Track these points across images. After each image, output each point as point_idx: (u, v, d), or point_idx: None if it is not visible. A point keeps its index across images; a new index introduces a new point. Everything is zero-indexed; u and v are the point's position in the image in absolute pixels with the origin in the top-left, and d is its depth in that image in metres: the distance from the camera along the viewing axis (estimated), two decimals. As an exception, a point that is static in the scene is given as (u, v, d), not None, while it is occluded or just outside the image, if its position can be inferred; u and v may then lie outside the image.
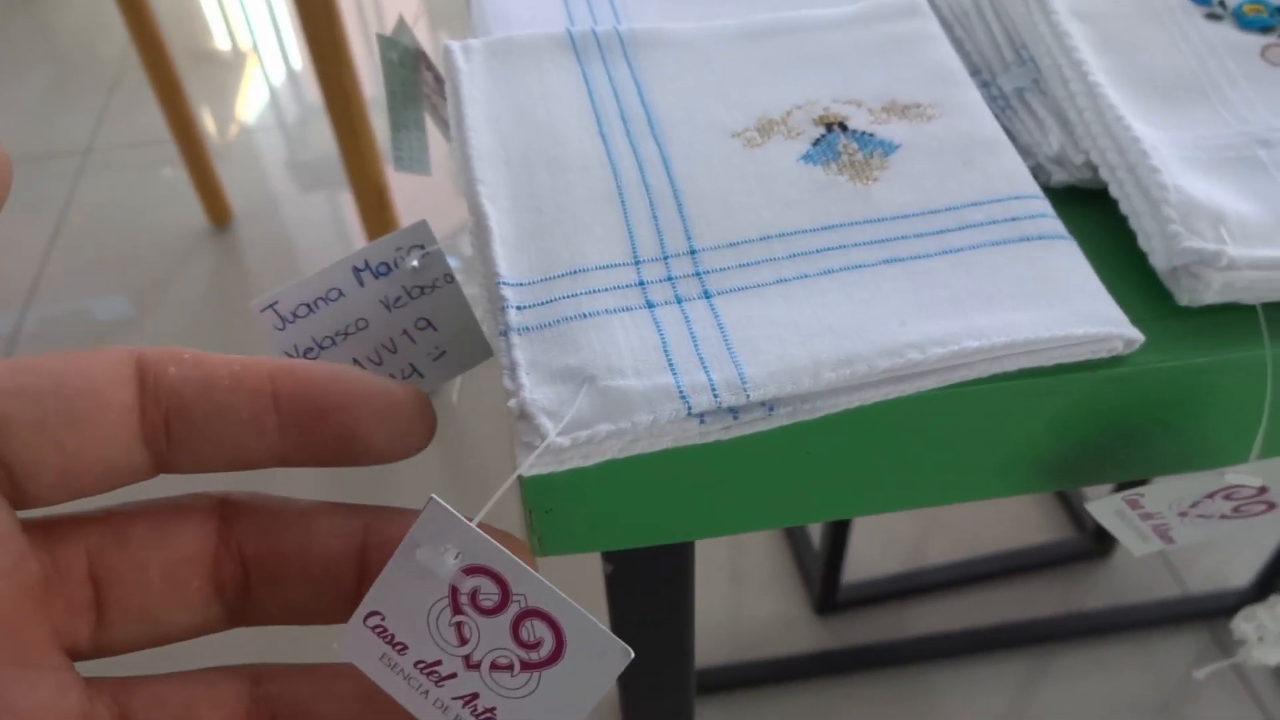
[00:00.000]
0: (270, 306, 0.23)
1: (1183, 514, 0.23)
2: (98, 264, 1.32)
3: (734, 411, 0.19)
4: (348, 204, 1.37)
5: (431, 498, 0.16)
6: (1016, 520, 1.11)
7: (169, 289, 1.29)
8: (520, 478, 0.21)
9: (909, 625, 1.03)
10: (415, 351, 0.24)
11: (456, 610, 0.16)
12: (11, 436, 0.16)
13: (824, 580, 1.01)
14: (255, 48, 1.75)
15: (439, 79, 0.38)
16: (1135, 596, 1.04)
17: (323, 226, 1.39)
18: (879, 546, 1.08)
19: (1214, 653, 1.02)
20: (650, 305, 0.21)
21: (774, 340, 0.20)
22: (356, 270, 0.23)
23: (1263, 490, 0.22)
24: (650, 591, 0.27)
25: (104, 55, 1.71)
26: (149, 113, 1.34)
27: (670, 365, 0.19)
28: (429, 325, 0.24)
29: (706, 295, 0.21)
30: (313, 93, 1.65)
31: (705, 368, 0.19)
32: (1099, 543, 1.07)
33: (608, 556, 0.26)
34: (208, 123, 1.55)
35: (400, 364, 0.24)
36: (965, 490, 0.23)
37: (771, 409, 0.20)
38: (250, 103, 1.61)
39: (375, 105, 1.23)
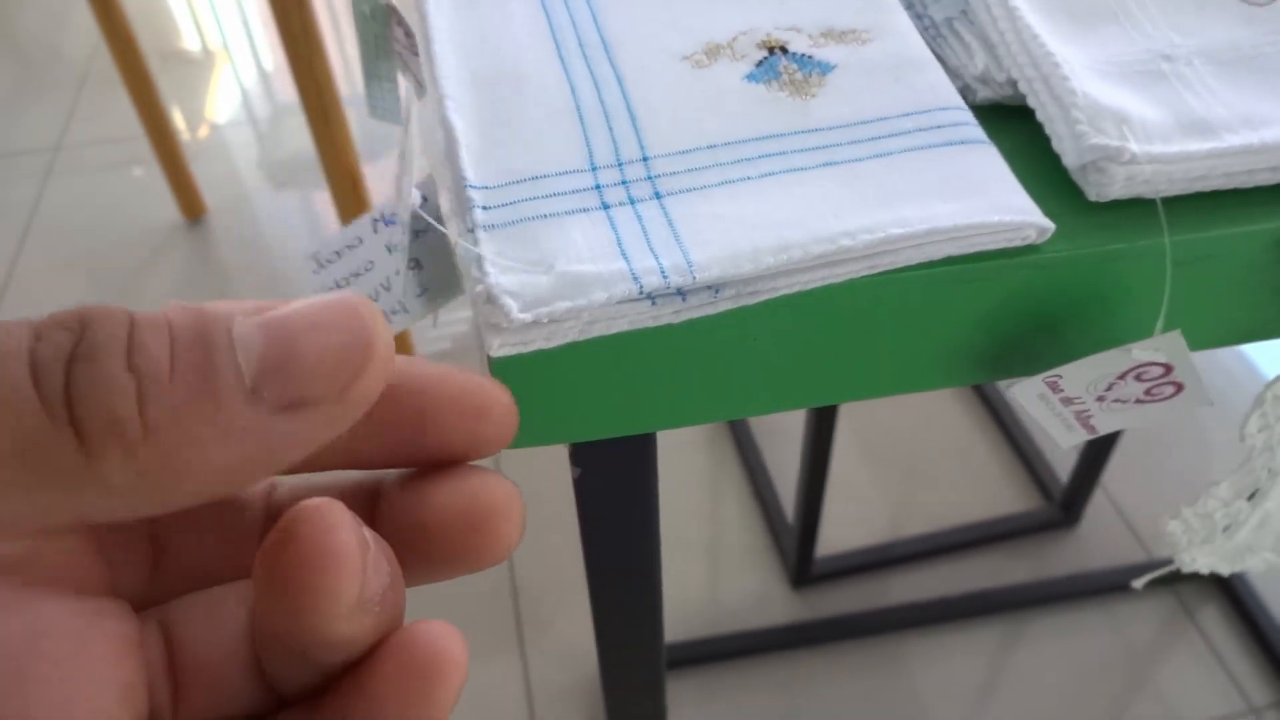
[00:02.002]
0: (313, 255, 0.26)
1: (1100, 398, 0.25)
2: (70, 261, 1.32)
3: (682, 294, 0.21)
4: (321, 198, 1.38)
5: None
6: (986, 492, 1.14)
7: (143, 283, 1.29)
8: (490, 363, 0.22)
9: (883, 596, 1.05)
10: (405, 289, 0.27)
11: None
12: None
13: (799, 554, 1.03)
14: (225, 47, 1.75)
15: (409, 34, 0.39)
16: (1102, 562, 1.07)
17: (296, 221, 1.40)
18: (852, 520, 1.11)
19: (1180, 616, 1.05)
20: (605, 206, 0.23)
21: (718, 231, 0.22)
22: (374, 221, 0.26)
23: (1169, 369, 0.24)
24: (617, 491, 0.28)
25: (70, 54, 1.71)
26: (119, 111, 1.34)
27: (623, 254, 0.21)
28: (418, 265, 0.27)
29: (657, 196, 0.23)
30: (284, 92, 1.66)
31: (655, 254, 0.21)
32: (1066, 512, 1.10)
33: (575, 459, 0.28)
34: (179, 122, 1.55)
35: (392, 301, 0.27)
36: (902, 380, 0.25)
37: (717, 292, 0.21)
38: (221, 102, 1.62)
39: (347, 101, 1.24)
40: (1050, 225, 0.23)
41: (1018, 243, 0.23)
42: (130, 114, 1.24)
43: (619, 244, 0.21)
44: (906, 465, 1.17)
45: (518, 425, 0.17)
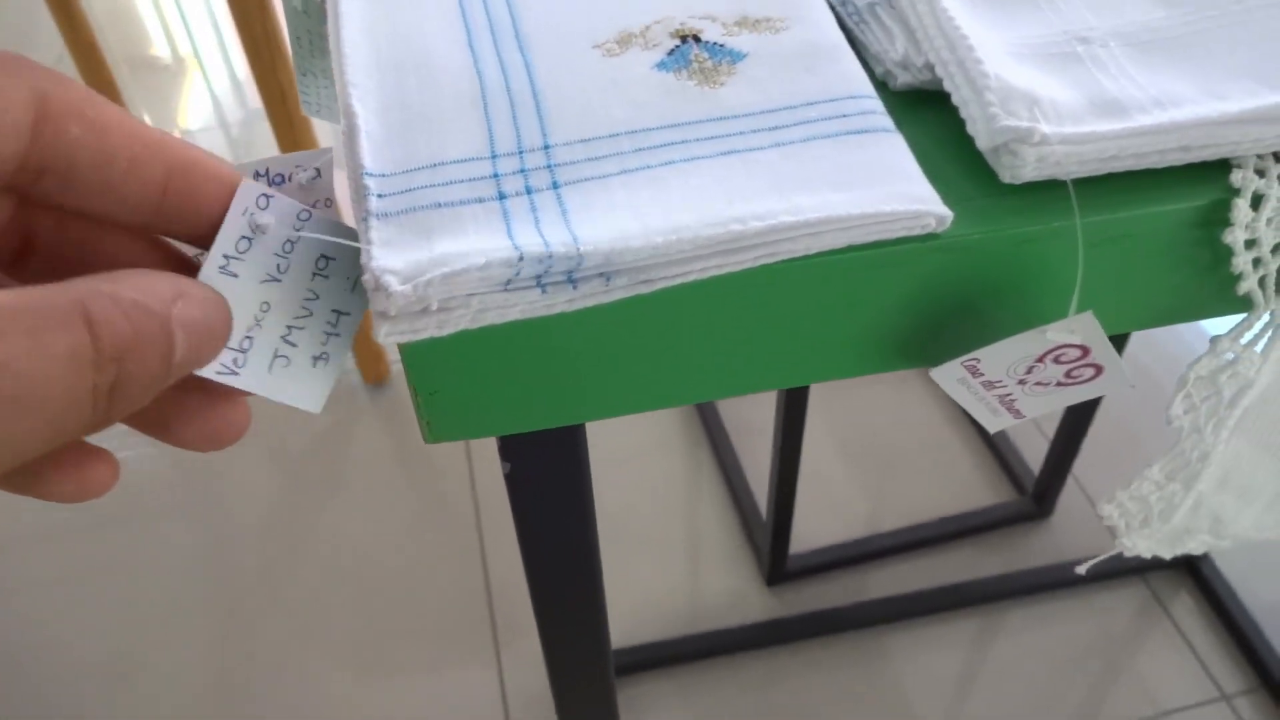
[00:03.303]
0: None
1: (1022, 381, 0.25)
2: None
3: (573, 282, 0.21)
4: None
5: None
6: (959, 485, 1.14)
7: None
8: (403, 356, 0.22)
9: (858, 592, 1.05)
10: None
11: None
12: None
13: (772, 552, 1.02)
14: (196, 54, 1.74)
15: (340, 31, 0.39)
16: (1075, 553, 1.07)
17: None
18: (826, 517, 1.11)
19: (1152, 605, 1.05)
20: (502, 197, 0.22)
21: (610, 217, 0.21)
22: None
23: (1086, 351, 0.24)
24: (548, 485, 0.28)
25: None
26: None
27: (510, 234, 0.21)
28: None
29: (555, 185, 0.22)
30: (256, 99, 1.64)
31: (542, 235, 0.21)
32: (1039, 504, 1.10)
33: (504, 454, 0.27)
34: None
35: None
36: (826, 367, 0.25)
37: (609, 279, 0.21)
38: (192, 109, 1.60)
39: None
40: (949, 214, 0.23)
41: (917, 231, 0.23)
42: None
43: (508, 231, 0.21)
44: (880, 461, 1.17)
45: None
